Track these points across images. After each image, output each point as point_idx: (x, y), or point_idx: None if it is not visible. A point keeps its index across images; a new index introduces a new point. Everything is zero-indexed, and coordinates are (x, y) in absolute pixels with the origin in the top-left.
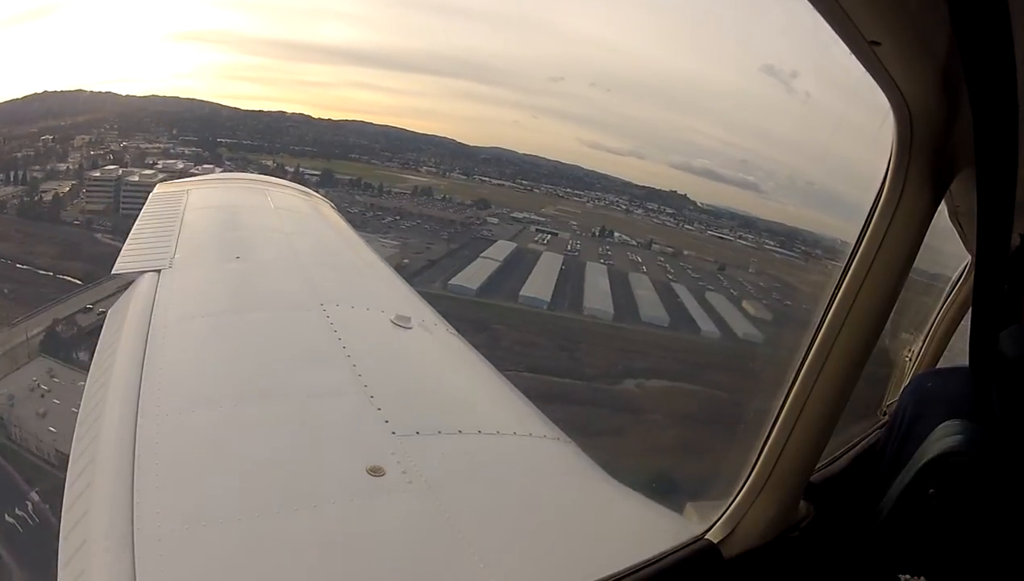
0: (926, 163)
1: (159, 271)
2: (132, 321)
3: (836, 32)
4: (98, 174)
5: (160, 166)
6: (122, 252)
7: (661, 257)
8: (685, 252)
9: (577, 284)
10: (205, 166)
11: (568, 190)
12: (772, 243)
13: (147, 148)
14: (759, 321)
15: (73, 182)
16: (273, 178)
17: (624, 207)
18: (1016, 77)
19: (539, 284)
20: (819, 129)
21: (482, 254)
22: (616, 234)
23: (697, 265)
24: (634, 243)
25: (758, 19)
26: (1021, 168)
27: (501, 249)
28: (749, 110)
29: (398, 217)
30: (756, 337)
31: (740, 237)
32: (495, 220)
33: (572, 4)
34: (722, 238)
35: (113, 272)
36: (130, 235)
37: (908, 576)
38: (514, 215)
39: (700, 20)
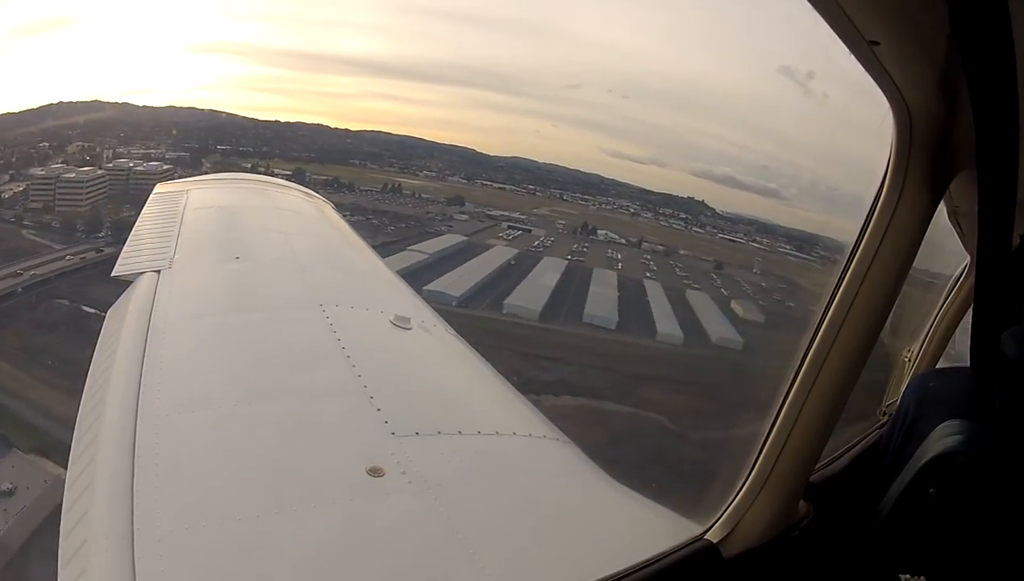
0: (926, 163)
1: (159, 271)
2: (132, 321)
3: (835, 32)
4: (42, 172)
5: (112, 166)
6: (122, 253)
7: (648, 255)
8: (681, 251)
9: (514, 280)
10: (151, 164)
11: (576, 194)
12: (789, 247)
13: (131, 152)
14: (746, 323)
15: (28, 182)
16: (274, 178)
17: (632, 210)
18: (1016, 77)
19: (459, 279)
20: (833, 131)
21: (410, 247)
22: (601, 232)
23: (690, 264)
24: (622, 241)
25: (765, 21)
26: (1021, 168)
27: (439, 242)
28: (767, 114)
29: (348, 213)
30: (733, 342)
31: (753, 240)
32: (464, 217)
33: (584, 10)
34: (733, 241)
35: (113, 274)
36: (130, 235)
37: (908, 576)
38: (490, 213)
39: (710, 24)
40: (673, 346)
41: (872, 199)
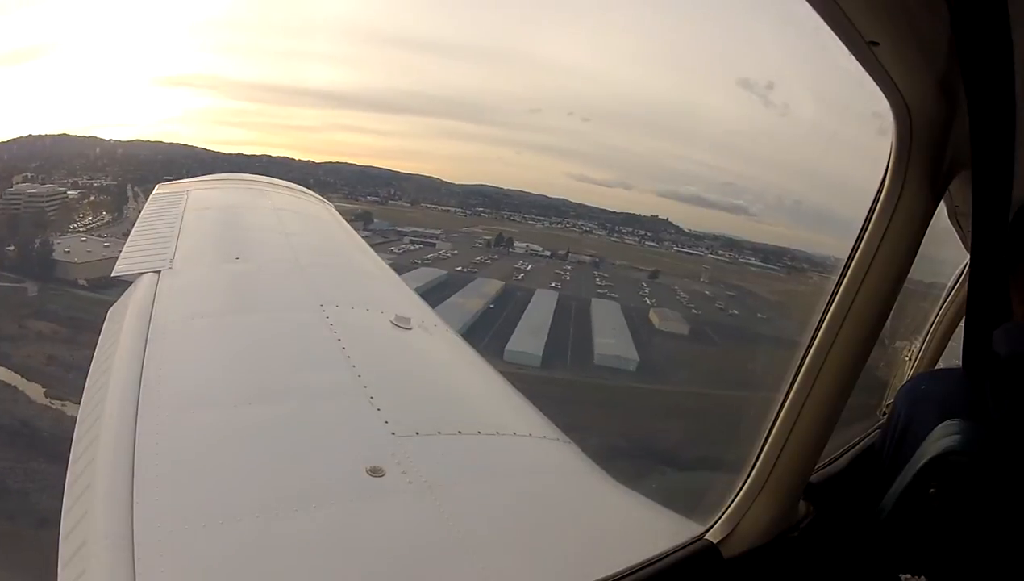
0: (925, 163)
1: (159, 272)
2: (132, 321)
3: (835, 33)
4: None
5: (13, 190)
6: (122, 253)
7: (569, 265)
8: (617, 262)
9: None
10: (45, 186)
11: (527, 215)
12: (754, 259)
13: (68, 181)
14: (661, 335)
15: None
16: (273, 179)
17: (585, 229)
18: (1014, 78)
19: None
20: (818, 136)
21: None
22: (521, 244)
23: (620, 273)
24: (546, 254)
25: (756, 21)
26: (1018, 168)
27: None
28: (733, 130)
29: None
30: (623, 361)
31: (715, 253)
32: (366, 233)
33: (544, 36)
34: (690, 253)
35: (113, 274)
36: (130, 236)
37: (908, 576)
38: (400, 229)
39: (692, 24)
40: (519, 367)
41: (871, 199)
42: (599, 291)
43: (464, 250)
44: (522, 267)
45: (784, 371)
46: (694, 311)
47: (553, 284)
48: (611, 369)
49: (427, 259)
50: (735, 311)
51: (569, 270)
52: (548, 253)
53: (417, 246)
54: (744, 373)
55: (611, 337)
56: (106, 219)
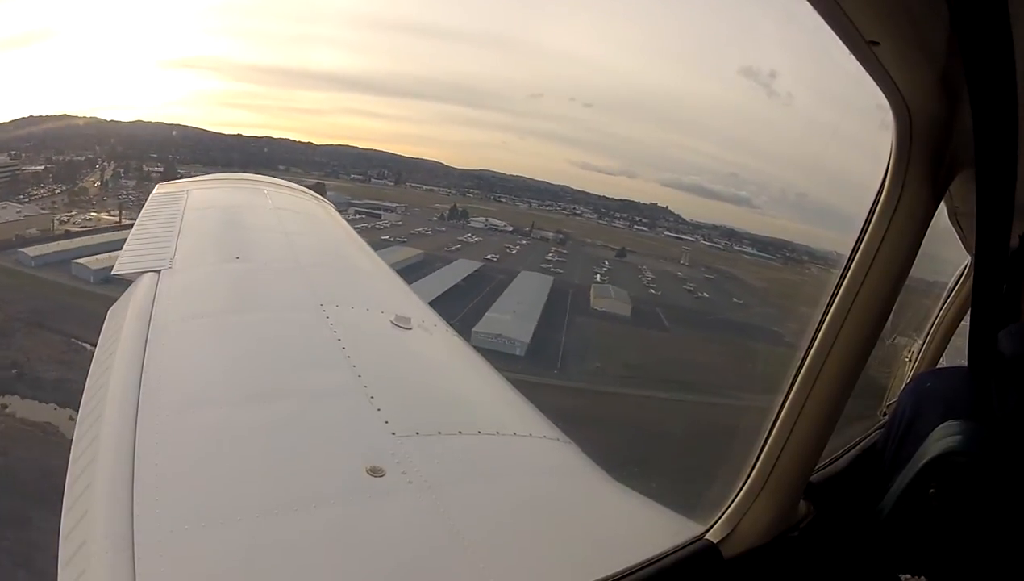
0: (926, 164)
1: (159, 271)
2: (132, 321)
3: (836, 32)
4: None
5: None
6: (122, 252)
7: (526, 240)
8: (588, 240)
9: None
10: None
11: (515, 198)
12: (752, 249)
13: (43, 157)
14: (591, 315)
15: None
16: (273, 178)
17: (576, 212)
18: (1016, 77)
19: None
20: (817, 135)
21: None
22: (478, 219)
23: (582, 250)
24: (508, 229)
25: (755, 21)
26: (1020, 168)
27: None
28: (744, 116)
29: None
30: (504, 342)
31: (711, 241)
32: None
33: (547, 20)
34: (680, 239)
35: (113, 273)
36: (130, 235)
37: (908, 576)
38: (352, 201)
39: (691, 23)
40: None
41: (871, 200)
42: (542, 266)
43: (410, 222)
44: (466, 239)
45: (747, 363)
46: (652, 291)
47: (489, 256)
48: (489, 351)
49: (356, 229)
50: (705, 294)
51: (523, 244)
52: (510, 228)
53: (359, 217)
54: (684, 367)
55: (509, 314)
56: (55, 191)
